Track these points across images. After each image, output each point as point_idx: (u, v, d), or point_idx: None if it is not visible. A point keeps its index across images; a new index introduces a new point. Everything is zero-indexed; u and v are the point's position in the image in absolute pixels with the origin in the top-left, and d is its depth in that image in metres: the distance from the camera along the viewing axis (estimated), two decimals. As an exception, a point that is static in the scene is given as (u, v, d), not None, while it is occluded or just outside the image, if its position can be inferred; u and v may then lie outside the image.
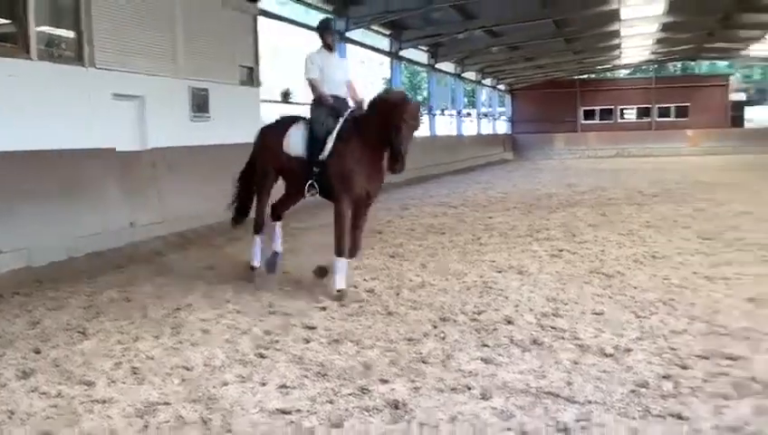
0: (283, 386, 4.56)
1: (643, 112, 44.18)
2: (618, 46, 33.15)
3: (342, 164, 6.87)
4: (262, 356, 5.16)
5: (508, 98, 44.69)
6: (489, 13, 22.53)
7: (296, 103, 16.40)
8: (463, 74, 32.58)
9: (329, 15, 18.02)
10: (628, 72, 48.63)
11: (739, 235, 9.86)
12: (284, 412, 4.16)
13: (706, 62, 47.31)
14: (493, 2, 21.53)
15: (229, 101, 12.88)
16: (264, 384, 4.61)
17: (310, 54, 7.52)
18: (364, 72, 28.35)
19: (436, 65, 28.39)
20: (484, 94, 39.76)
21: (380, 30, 22.91)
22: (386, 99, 6.76)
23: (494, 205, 15.21)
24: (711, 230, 10.39)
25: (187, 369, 4.92)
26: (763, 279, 7.15)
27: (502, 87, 42.24)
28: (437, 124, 28.95)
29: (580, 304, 6.40)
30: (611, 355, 4.97)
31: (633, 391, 4.32)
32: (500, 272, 7.90)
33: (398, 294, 6.93)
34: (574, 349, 5.13)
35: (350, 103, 7.49)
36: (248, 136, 8.40)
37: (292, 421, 4.05)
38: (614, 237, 10.06)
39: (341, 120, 7.11)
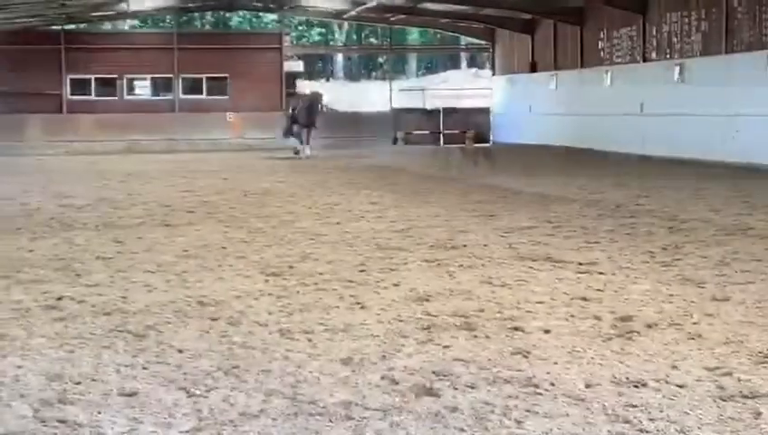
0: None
1: (163, 86, 31.26)
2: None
3: None
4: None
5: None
6: None
7: None
8: None
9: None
10: (138, 22, 36.07)
11: (313, 266, 7.91)
12: None
13: (246, 15, 35.54)
14: None
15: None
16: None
17: None
18: None
19: None
20: None
21: None
22: None
23: None
24: (276, 261, 8.20)
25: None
26: (356, 329, 5.41)
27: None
28: None
29: (100, 380, 4.54)
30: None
31: None
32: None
33: None
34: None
35: None
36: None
37: None
38: (140, 276, 7.43)
39: None
